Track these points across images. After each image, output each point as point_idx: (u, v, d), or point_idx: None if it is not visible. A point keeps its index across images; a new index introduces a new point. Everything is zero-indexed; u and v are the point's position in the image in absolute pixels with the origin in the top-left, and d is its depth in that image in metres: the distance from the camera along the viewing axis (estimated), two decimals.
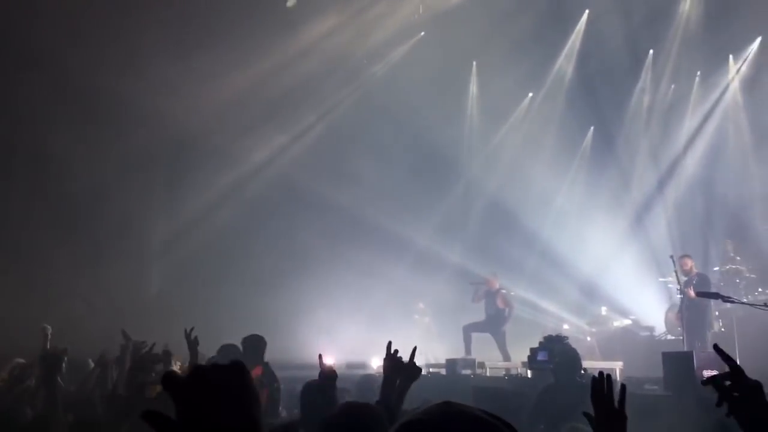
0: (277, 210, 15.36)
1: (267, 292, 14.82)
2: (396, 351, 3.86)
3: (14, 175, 14.52)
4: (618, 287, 14.37)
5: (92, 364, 7.10)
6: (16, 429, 3.81)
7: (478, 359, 11.25)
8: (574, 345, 8.07)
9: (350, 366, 12.18)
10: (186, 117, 14.15)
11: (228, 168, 15.43)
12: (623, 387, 2.45)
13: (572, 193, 16.17)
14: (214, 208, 15.34)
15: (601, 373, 2.49)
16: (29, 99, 13.53)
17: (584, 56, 15.99)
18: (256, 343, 6.84)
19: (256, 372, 6.39)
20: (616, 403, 2.42)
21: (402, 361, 3.83)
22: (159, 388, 3.47)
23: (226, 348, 6.94)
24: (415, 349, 3.90)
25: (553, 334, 8.70)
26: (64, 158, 14.06)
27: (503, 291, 12.91)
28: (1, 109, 13.55)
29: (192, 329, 5.14)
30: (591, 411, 2.40)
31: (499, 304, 12.71)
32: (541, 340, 7.95)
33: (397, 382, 3.79)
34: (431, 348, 13.33)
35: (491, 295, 12.82)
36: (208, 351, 6.96)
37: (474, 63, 16.99)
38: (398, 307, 15.15)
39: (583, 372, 7.10)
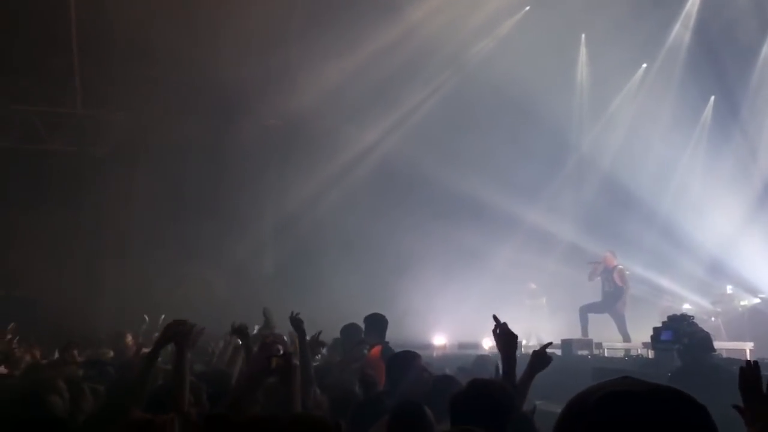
0: (385, 192, 15.26)
1: (377, 274, 14.82)
2: (505, 323, 3.96)
3: (141, 164, 15.17)
4: (745, 264, 13.51)
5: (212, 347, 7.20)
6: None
7: (595, 340, 10.83)
8: None
9: (462, 346, 12.06)
10: (294, 104, 14.29)
11: (337, 152, 15.49)
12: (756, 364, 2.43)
13: (693, 166, 15.21)
14: (324, 192, 15.48)
15: (748, 362, 2.47)
16: (153, 93, 14.09)
17: (703, 22, 15.06)
18: (377, 322, 6.83)
19: (375, 351, 6.29)
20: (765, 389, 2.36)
21: (512, 335, 3.93)
22: None
23: (348, 328, 7.01)
24: (549, 343, 4.11)
25: (676, 314, 8.13)
26: (186, 148, 14.58)
27: (620, 267, 12.45)
28: (134, 105, 14.22)
29: (298, 313, 5.09)
30: (728, 394, 2.38)
31: (617, 281, 12.17)
32: (665, 320, 7.40)
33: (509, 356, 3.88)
34: (543, 328, 12.89)
35: (608, 273, 12.40)
36: (325, 333, 6.87)
37: (582, 35, 16.22)
38: (510, 286, 14.77)
39: (713, 354, 6.62)
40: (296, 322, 5.33)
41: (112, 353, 7.58)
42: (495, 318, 3.96)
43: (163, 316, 9.02)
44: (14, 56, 13.61)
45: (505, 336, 3.95)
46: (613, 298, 12.28)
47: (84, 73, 14.31)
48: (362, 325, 6.90)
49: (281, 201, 15.82)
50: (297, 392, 3.58)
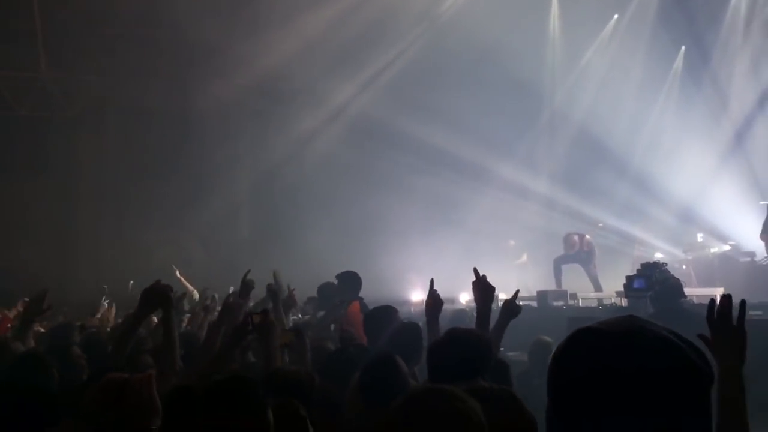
0: (360, 150, 15.15)
1: (354, 232, 14.83)
2: (484, 276, 4.04)
3: (108, 128, 14.89)
4: (716, 212, 13.69)
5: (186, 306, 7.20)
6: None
7: (569, 291, 10.98)
8: None
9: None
10: (265, 62, 14.04)
11: (310, 110, 15.32)
12: (743, 303, 2.42)
13: (664, 116, 15.27)
14: (298, 152, 15.38)
15: (724, 295, 2.46)
16: (118, 55, 13.78)
17: None
18: (350, 280, 6.76)
19: (354, 307, 6.28)
20: (734, 321, 2.39)
21: (491, 287, 4.00)
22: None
23: (324, 287, 6.96)
24: (517, 292, 4.26)
25: (649, 262, 8.23)
26: (156, 109, 14.33)
27: (588, 237, 12.84)
28: (100, 67, 13.91)
29: (248, 271, 5.06)
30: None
31: (586, 247, 12.70)
32: (639, 267, 7.50)
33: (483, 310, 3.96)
34: (528, 282, 13.05)
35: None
36: (302, 292, 6.95)
37: None
38: (487, 241, 14.87)
39: (684, 299, 6.73)
40: (270, 287, 5.32)
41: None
42: (475, 271, 4.00)
43: (131, 282, 8.99)
44: None
45: (483, 287, 3.99)
46: (585, 259, 12.61)
47: (47, 36, 13.92)
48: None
49: (255, 162, 15.69)
50: (276, 348, 3.63)
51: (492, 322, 4.11)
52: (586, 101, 15.41)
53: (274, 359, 3.60)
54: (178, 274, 9.94)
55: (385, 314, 4.83)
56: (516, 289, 4.51)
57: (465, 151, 14.63)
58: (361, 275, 6.93)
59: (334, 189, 15.62)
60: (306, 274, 9.73)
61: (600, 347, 1.25)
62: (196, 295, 8.77)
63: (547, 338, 6.21)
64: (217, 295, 7.48)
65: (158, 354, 3.91)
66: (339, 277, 6.81)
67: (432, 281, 4.20)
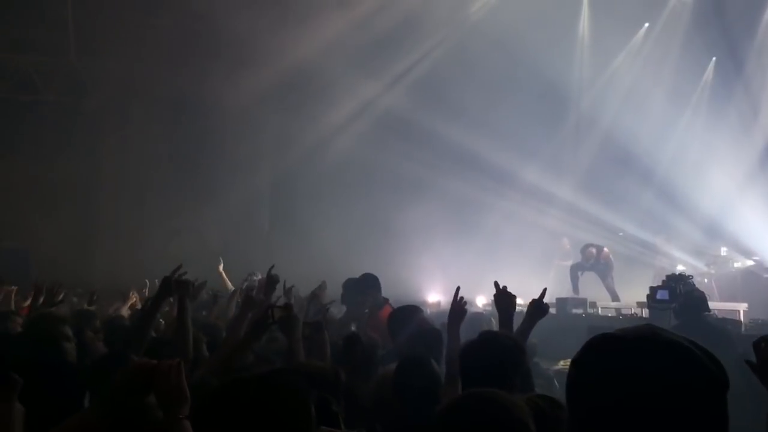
0: (383, 148, 15.12)
1: (373, 231, 14.85)
2: (505, 287, 4.17)
3: (133, 116, 14.98)
4: (741, 226, 13.48)
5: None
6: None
7: (589, 299, 10.98)
8: None
9: None
10: (292, 56, 14.04)
11: (336, 106, 15.29)
12: None
13: (692, 126, 15.03)
14: (322, 146, 15.33)
15: (764, 337, 2.52)
16: (148, 43, 13.85)
17: None
18: (374, 282, 6.74)
19: (385, 312, 6.15)
20: None
21: (512, 296, 4.13)
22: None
23: (349, 283, 6.90)
24: (545, 290, 4.33)
25: (674, 273, 8.15)
26: (183, 99, 14.40)
27: (606, 250, 12.87)
28: (130, 55, 14.01)
29: (272, 266, 5.05)
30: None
31: (604, 259, 12.78)
32: (663, 279, 7.43)
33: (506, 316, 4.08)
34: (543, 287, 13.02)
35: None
36: (313, 287, 7.00)
37: None
38: (505, 243, 14.80)
39: (708, 314, 6.65)
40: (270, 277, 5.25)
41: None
42: (496, 284, 4.07)
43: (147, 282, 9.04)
44: (8, 5, 13.35)
45: (504, 297, 4.05)
46: (602, 270, 12.70)
47: (78, 22, 14.02)
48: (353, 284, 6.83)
49: (279, 154, 15.70)
50: (298, 342, 3.63)
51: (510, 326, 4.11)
52: (613, 108, 15.27)
53: (297, 353, 3.60)
54: (220, 269, 9.90)
55: (411, 314, 4.85)
56: (544, 288, 4.48)
57: (489, 152, 14.56)
58: (378, 275, 6.93)
59: (355, 187, 15.62)
60: (323, 270, 9.73)
61: (617, 352, 1.29)
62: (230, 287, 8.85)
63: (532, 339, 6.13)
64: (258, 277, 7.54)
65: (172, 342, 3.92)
66: (362, 279, 6.78)
67: (458, 289, 4.20)
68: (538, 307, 4.17)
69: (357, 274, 7.13)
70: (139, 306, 7.59)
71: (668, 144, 14.98)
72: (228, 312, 6.58)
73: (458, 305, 4.19)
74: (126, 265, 11.13)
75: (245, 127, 15.29)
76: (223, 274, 9.86)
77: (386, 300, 6.58)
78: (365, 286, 6.65)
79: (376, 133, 15.22)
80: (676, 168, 14.50)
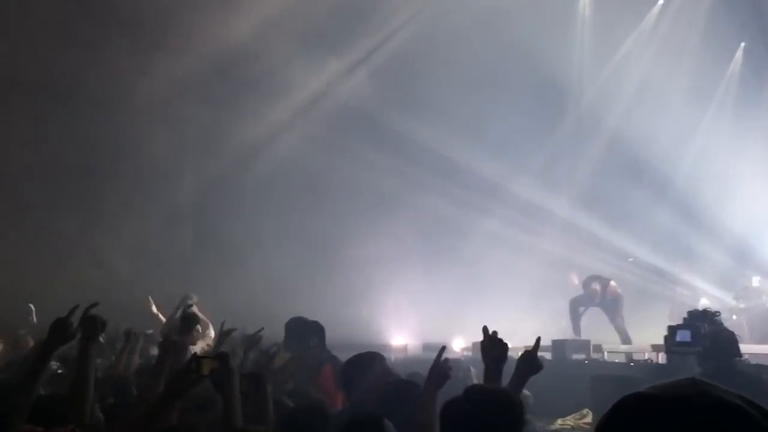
0: (336, 153, 15.10)
1: (321, 257, 14.81)
2: (495, 333, 4.16)
3: (13, 110, 14.67)
4: None
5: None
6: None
7: (593, 341, 11.09)
8: None
9: (428, 347, 12.15)
10: (220, 39, 13.97)
11: (276, 99, 15.21)
12: None
13: (718, 127, 15.33)
14: (258, 150, 15.22)
15: None
16: (47, 18, 13.62)
17: None
18: (314, 329, 6.85)
19: (326, 373, 6.33)
20: None
21: (503, 345, 4.11)
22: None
23: (295, 324, 6.98)
24: (539, 340, 4.29)
25: (697, 309, 8.26)
26: (83, 89, 14.15)
27: (612, 284, 13.06)
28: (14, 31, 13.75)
29: (190, 305, 5.07)
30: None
31: (611, 294, 13.00)
32: (684, 316, 7.53)
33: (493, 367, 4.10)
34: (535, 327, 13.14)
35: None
36: (247, 324, 7.12)
37: None
38: (489, 272, 14.86)
39: (739, 359, 6.75)
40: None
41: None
42: (485, 330, 4.10)
43: (32, 307, 8.86)
44: None
45: (493, 346, 4.07)
46: (609, 306, 12.87)
47: None
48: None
49: (205, 159, 15.48)
50: (237, 402, 3.60)
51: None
52: (620, 105, 15.51)
53: (235, 416, 3.57)
54: (153, 309, 9.77)
55: (369, 364, 4.80)
56: (537, 337, 4.49)
57: (470, 160, 14.71)
58: (329, 312, 7.03)
59: (301, 200, 15.52)
60: (259, 305, 9.65)
61: (655, 417, 1.26)
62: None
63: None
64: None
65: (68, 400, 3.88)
66: (291, 323, 6.91)
67: (442, 349, 4.20)
68: (528, 362, 4.17)
69: (303, 311, 7.12)
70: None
71: (688, 149, 15.24)
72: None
73: (441, 368, 4.17)
74: (12, 299, 10.91)
75: (162, 126, 15.08)
76: (159, 315, 9.74)
77: (332, 357, 6.63)
78: (307, 331, 6.76)
79: (329, 134, 15.20)
80: (698, 179, 14.76)
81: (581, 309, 13.13)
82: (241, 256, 14.73)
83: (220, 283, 12.10)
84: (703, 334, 6.91)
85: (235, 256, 14.79)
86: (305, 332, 6.78)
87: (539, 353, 4.27)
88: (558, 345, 10.55)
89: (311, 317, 7.12)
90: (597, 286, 12.92)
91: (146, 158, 14.89)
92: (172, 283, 12.74)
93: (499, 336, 4.13)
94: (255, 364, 5.51)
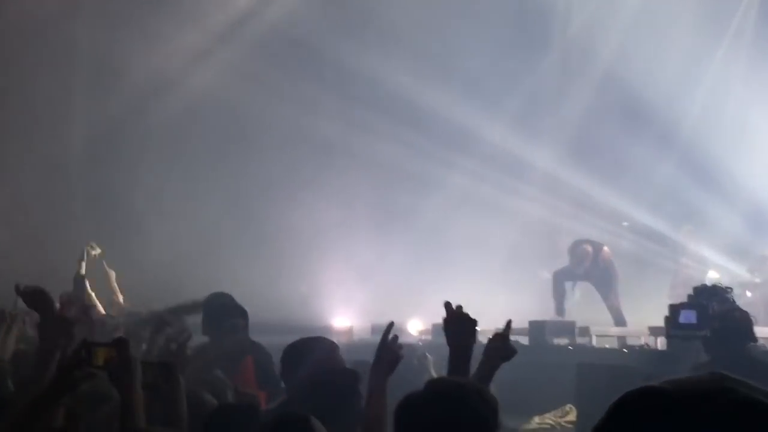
0: (268, 87, 14.94)
1: (243, 217, 14.83)
2: (460, 308, 4.10)
3: None
4: None
5: None
6: None
7: (578, 322, 11.21)
8: None
9: (377, 330, 12.19)
10: None
11: (188, 20, 14.96)
12: None
13: (732, 63, 15.47)
14: (168, 87, 14.99)
15: None
16: None
17: None
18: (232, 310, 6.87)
19: (246, 365, 6.41)
20: None
21: (472, 323, 4.07)
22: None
23: (214, 301, 7.07)
24: (509, 323, 4.31)
25: (704, 285, 8.37)
26: None
27: (606, 249, 13.24)
28: None
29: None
30: None
31: (604, 261, 13.16)
32: (689, 293, 7.62)
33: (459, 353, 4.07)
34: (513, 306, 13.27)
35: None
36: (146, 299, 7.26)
37: None
38: (453, 240, 14.92)
39: (754, 344, 6.87)
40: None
41: None
42: (448, 306, 4.06)
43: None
44: None
45: (458, 323, 4.03)
46: (601, 279, 12.99)
47: None
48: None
49: (97, 98, 15.22)
50: (138, 399, 3.59)
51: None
52: (616, 36, 15.53)
53: (135, 415, 3.55)
54: (113, 281, 9.70)
55: (310, 351, 4.83)
56: (507, 320, 4.50)
57: (430, 101, 14.67)
58: (255, 289, 7.05)
59: (218, 150, 15.40)
60: (167, 278, 9.61)
61: (666, 420, 1.25)
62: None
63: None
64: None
65: None
66: (210, 302, 6.98)
67: (390, 325, 4.21)
68: (498, 348, 4.18)
69: (222, 286, 7.08)
70: None
71: (697, 90, 15.34)
72: None
73: (390, 349, 4.17)
74: None
75: (42, 55, 14.76)
76: (116, 287, 9.68)
77: (254, 347, 6.69)
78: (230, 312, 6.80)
79: (258, 67, 15.02)
80: (707, 126, 14.87)
81: (567, 284, 13.26)
82: (143, 220, 14.52)
83: (117, 252, 11.92)
84: (711, 315, 6.95)
85: (136, 219, 14.56)
86: (227, 312, 6.80)
87: (512, 337, 4.29)
88: (536, 327, 10.67)
89: (234, 295, 7.11)
90: (588, 248, 13.03)
91: (21, 99, 14.58)
92: (56, 252, 12.59)
93: (468, 314, 4.11)
94: (164, 350, 5.48)
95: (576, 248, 13.17)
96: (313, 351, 4.90)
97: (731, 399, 1.25)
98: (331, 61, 14.83)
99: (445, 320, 4.07)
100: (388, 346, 4.12)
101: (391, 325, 4.21)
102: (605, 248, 13.19)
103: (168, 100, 15.01)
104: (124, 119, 15.06)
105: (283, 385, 5.30)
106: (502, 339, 4.20)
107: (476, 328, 4.07)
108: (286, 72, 14.90)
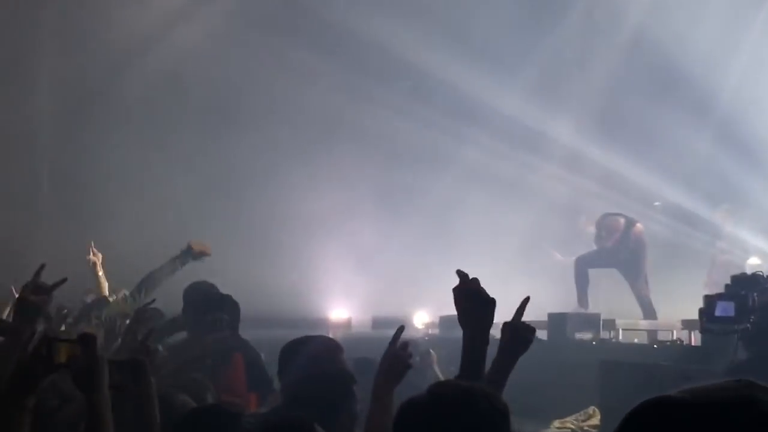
0: (255, 51, 14.92)
1: (241, 197, 14.79)
2: (476, 281, 3.89)
3: None
4: None
5: None
6: None
7: (603, 315, 11.22)
8: None
9: (379, 323, 12.26)
10: None
11: None
12: None
13: None
14: (143, 50, 14.93)
15: None
16: None
17: None
18: (224, 304, 6.88)
19: (236, 364, 6.47)
20: None
21: (489, 301, 3.88)
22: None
23: (195, 290, 7.15)
24: (526, 301, 4.09)
25: (743, 273, 8.36)
26: None
27: (638, 225, 13.23)
28: None
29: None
30: None
31: (634, 241, 13.17)
32: (727, 282, 7.61)
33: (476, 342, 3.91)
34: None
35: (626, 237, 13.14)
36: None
37: None
38: (466, 223, 14.93)
39: None
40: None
41: None
42: (461, 274, 3.86)
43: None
44: None
45: (473, 299, 3.85)
46: (629, 253, 12.93)
47: None
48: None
49: (60, 61, 15.15)
50: (104, 400, 3.58)
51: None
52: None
53: (101, 420, 3.54)
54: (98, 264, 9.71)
55: (309, 350, 4.84)
56: (524, 298, 4.37)
57: (439, 70, 14.72)
58: (244, 278, 7.05)
59: (199, 122, 15.39)
60: (143, 265, 9.61)
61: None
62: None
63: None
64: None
65: None
66: (189, 293, 7.05)
67: (400, 329, 4.24)
68: (514, 333, 4.07)
69: (204, 276, 7.07)
70: None
71: (736, 56, 15.32)
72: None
73: (398, 356, 4.12)
74: None
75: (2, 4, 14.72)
76: (102, 278, 9.68)
77: (242, 344, 6.71)
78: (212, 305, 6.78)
79: (243, 26, 15.04)
80: (747, 96, 14.86)
81: (590, 269, 13.23)
82: (115, 201, 14.49)
83: (86, 237, 11.90)
84: (752, 307, 6.97)
85: (107, 200, 14.52)
86: (210, 305, 6.79)
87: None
88: (556, 320, 10.68)
89: (222, 284, 7.12)
90: (621, 222, 13.00)
91: None
92: (13, 242, 12.58)
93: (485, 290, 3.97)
94: (138, 346, 5.49)
95: (606, 220, 13.15)
96: (311, 350, 4.89)
97: (758, 412, 1.27)
98: (330, 24, 14.83)
99: (456, 290, 3.87)
100: (397, 354, 4.08)
101: (400, 329, 4.18)
102: (638, 224, 13.15)
103: (145, 65, 14.98)
104: (94, 86, 15.04)
105: (275, 386, 5.33)
106: (516, 324, 4.03)
107: (494, 307, 3.90)
108: (278, 34, 14.87)
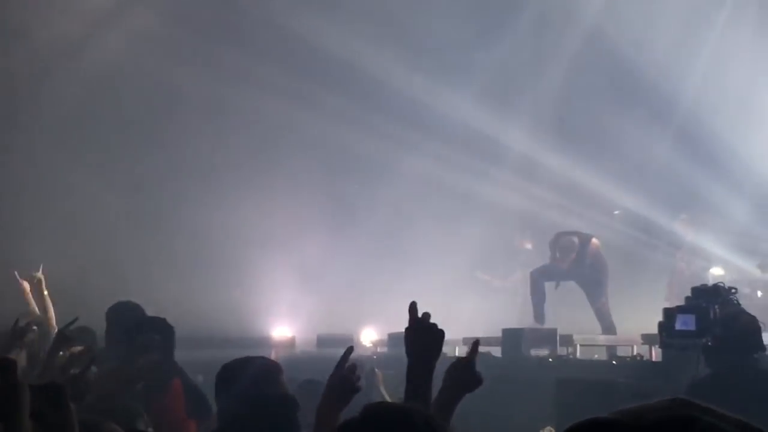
0: (189, 52, 14.87)
1: (175, 208, 14.70)
2: (427, 315, 3.98)
3: None
4: None
5: None
6: None
7: (560, 330, 11.22)
8: None
9: (323, 342, 12.26)
10: None
11: None
12: None
13: (737, 25, 15.56)
14: (67, 51, 14.80)
15: None
16: None
17: None
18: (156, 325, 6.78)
19: (175, 390, 6.42)
20: None
21: (438, 333, 3.95)
22: None
23: (120, 310, 7.15)
24: (476, 344, 4.19)
25: (704, 285, 8.42)
26: None
27: (594, 242, 13.15)
28: None
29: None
30: None
31: (593, 257, 13.05)
32: (688, 294, 7.66)
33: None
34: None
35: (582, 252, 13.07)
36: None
37: None
38: (414, 234, 14.96)
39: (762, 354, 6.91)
40: None
41: None
42: (413, 309, 3.91)
43: None
44: None
45: (425, 335, 3.92)
46: (589, 278, 12.97)
47: None
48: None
49: None
50: (23, 427, 3.52)
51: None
52: None
53: None
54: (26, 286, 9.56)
55: (246, 373, 4.83)
56: (475, 339, 4.45)
57: (384, 72, 14.72)
58: (181, 294, 7.01)
59: (128, 128, 15.25)
60: (70, 284, 9.54)
61: None
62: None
63: None
64: None
65: None
66: (113, 314, 7.03)
67: (349, 350, 4.25)
68: (462, 376, 4.11)
69: (134, 294, 7.04)
70: None
71: (697, 57, 15.46)
72: None
73: (346, 379, 4.12)
74: None
75: None
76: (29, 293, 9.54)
77: (178, 369, 6.65)
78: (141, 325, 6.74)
79: (174, 29, 14.88)
80: (710, 100, 14.98)
81: (547, 284, 13.27)
82: (34, 216, 14.31)
83: (8, 246, 11.80)
84: (714, 320, 6.99)
85: (24, 215, 14.32)
86: (136, 325, 6.73)
87: (484, 348, 4.23)
88: (510, 336, 10.63)
89: (151, 304, 7.06)
90: (575, 240, 13.00)
91: None
92: None
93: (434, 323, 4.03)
94: (58, 371, 5.45)
95: (559, 240, 13.15)
96: (249, 373, 4.88)
97: (694, 431, 1.28)
98: (267, 25, 14.78)
99: (407, 329, 3.96)
100: (345, 376, 4.08)
101: (349, 350, 4.20)
102: (594, 240, 13.16)
103: (70, 69, 14.84)
104: (16, 91, 14.86)
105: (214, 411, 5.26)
106: (466, 365, 4.11)
107: (443, 339, 4.00)
108: (214, 38, 14.85)
